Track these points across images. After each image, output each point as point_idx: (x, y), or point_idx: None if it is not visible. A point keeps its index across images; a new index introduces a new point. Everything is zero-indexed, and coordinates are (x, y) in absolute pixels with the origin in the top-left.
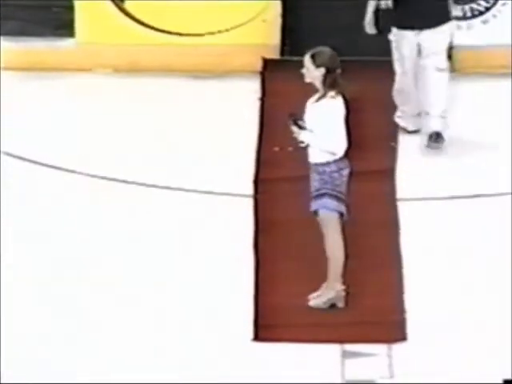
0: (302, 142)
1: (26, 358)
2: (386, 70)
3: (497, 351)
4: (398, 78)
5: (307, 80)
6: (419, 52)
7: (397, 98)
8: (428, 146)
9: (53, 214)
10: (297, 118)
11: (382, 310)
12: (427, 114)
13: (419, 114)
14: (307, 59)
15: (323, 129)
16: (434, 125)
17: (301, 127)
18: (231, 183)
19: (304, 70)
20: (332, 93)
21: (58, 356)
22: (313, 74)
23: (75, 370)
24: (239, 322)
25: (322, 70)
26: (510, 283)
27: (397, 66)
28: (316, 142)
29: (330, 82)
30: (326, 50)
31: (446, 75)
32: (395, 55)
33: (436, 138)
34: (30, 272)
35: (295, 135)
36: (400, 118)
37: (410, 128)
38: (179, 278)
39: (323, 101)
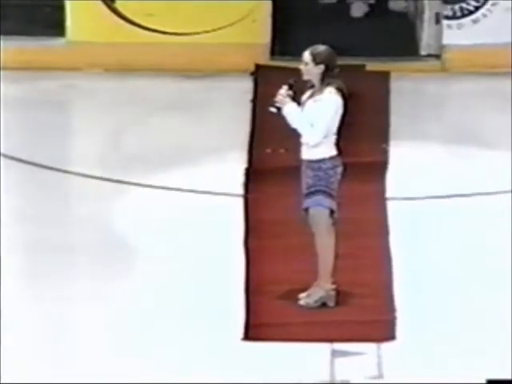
0: (279, 109)
1: (26, 358)
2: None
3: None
4: None
5: (305, 77)
6: None
7: None
8: None
9: (51, 215)
10: (292, 86)
11: (371, 309)
12: None
13: None
14: (307, 56)
15: (321, 123)
16: None
17: (292, 98)
18: (222, 183)
19: (302, 67)
20: (330, 89)
21: (57, 356)
22: (312, 71)
23: (75, 369)
24: (229, 321)
25: (322, 68)
26: (506, 284)
27: None
28: (308, 131)
29: (327, 80)
30: (325, 48)
31: None
32: None
33: None
34: (30, 272)
35: (279, 98)
36: None
37: None
38: (169, 277)
39: (322, 96)
